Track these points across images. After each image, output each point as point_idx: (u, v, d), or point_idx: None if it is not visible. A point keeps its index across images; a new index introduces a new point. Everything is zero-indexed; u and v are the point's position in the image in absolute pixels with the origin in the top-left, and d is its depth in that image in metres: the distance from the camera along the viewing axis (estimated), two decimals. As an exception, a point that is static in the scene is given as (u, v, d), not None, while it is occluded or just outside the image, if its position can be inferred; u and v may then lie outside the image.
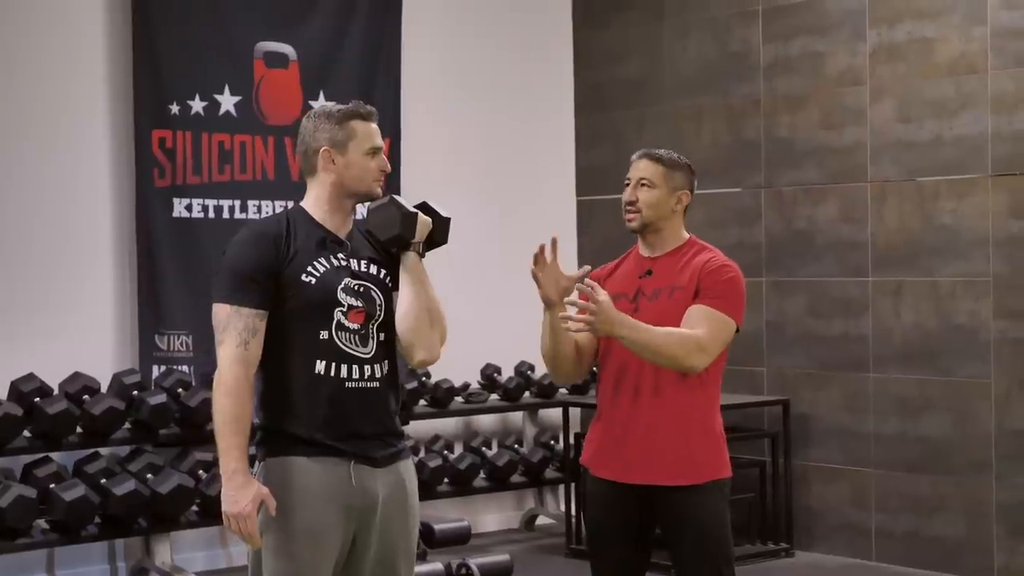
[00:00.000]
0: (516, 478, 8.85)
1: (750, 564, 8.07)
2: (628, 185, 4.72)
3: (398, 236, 4.09)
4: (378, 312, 4.08)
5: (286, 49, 8.28)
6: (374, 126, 4.13)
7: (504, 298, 8.92)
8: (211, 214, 7.98)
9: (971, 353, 7.70)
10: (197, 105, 7.96)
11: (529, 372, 8.96)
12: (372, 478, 4.03)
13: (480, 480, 8.71)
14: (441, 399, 8.54)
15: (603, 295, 4.37)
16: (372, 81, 8.59)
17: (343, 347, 4.00)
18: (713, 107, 8.92)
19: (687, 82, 9.07)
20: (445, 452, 8.60)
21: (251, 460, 4.06)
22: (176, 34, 7.89)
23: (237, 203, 8.04)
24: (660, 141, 9.00)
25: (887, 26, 8.05)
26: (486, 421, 9.19)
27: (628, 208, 4.70)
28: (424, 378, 8.52)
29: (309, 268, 4.01)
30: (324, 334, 3.99)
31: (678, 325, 4.52)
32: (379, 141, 4.12)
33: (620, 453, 4.60)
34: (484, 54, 9.31)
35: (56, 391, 7.32)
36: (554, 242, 4.61)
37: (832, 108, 8.31)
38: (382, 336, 4.09)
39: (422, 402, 8.53)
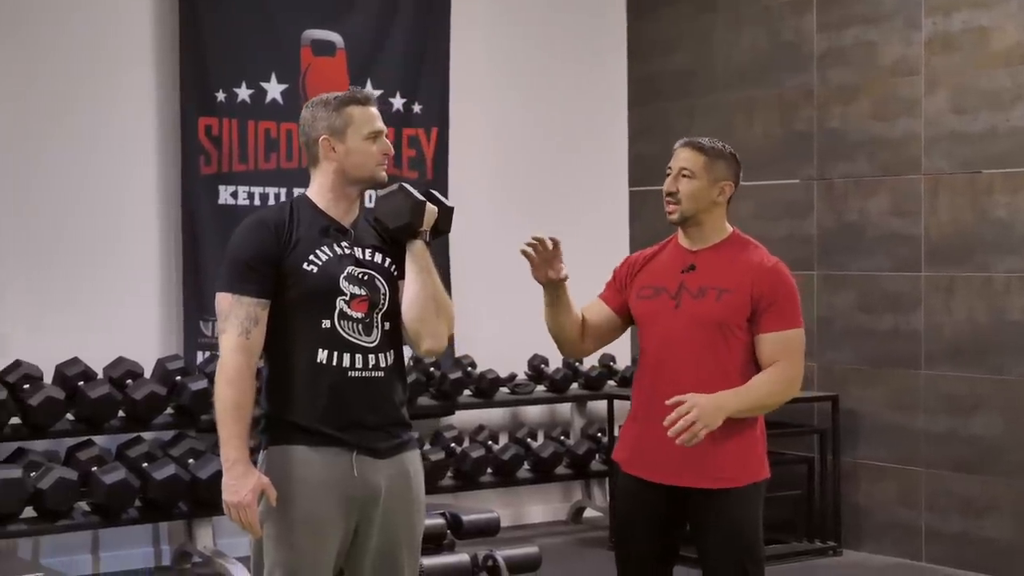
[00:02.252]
0: (561, 470, 8.80)
1: (797, 562, 7.99)
2: (669, 175, 4.60)
3: (408, 224, 4.05)
4: (382, 301, 4.04)
5: (333, 37, 8.27)
6: (373, 110, 4.07)
7: (553, 289, 8.87)
8: (256, 201, 7.99)
9: (1024, 351, 7.59)
10: (243, 93, 7.96)
11: (577, 364, 8.90)
12: (374, 469, 3.99)
13: (524, 471, 8.67)
14: (486, 389, 8.51)
15: (691, 399, 4.29)
16: (419, 70, 8.56)
17: (345, 336, 3.97)
18: (765, 98, 8.82)
19: (739, 73, 8.98)
20: (489, 442, 8.56)
21: (255, 448, 4.04)
22: (223, 22, 7.91)
23: (283, 191, 8.04)
24: (711, 132, 8.88)
25: (942, 15, 7.92)
26: (534, 413, 9.15)
27: (668, 199, 4.59)
28: (470, 368, 8.49)
29: (311, 257, 3.97)
30: (326, 323, 3.96)
31: (722, 323, 4.43)
32: (379, 125, 4.05)
33: (657, 454, 4.48)
34: (535, 45, 9.26)
35: (100, 375, 7.36)
36: (556, 243, 4.58)
37: (885, 99, 8.19)
38: (387, 325, 4.05)
39: (467, 392, 8.50)
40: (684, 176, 4.55)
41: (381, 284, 4.05)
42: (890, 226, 8.16)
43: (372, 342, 4.00)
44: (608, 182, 9.56)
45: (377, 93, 8.19)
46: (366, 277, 4.03)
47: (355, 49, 8.33)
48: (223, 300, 3.95)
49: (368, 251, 4.07)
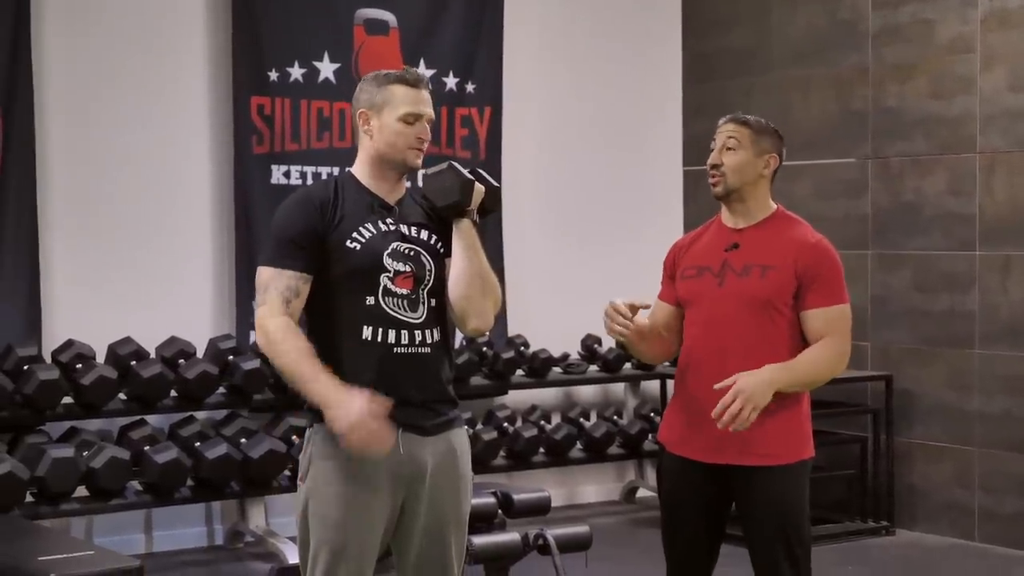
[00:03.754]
0: (614, 450, 8.78)
1: (850, 541, 7.96)
2: (714, 149, 4.55)
3: (456, 203, 4.03)
4: (428, 277, 4.02)
5: (387, 16, 8.26)
6: (420, 93, 4.01)
7: (607, 268, 8.86)
8: (309, 180, 7.99)
9: (1080, 330, 7.50)
10: (296, 72, 7.97)
11: (630, 343, 8.86)
12: (421, 446, 3.98)
13: (576, 451, 8.66)
14: (539, 369, 8.50)
15: (735, 386, 4.26)
16: (473, 50, 8.54)
17: (390, 312, 3.95)
18: (821, 76, 8.75)
19: (795, 51, 8.91)
20: (542, 422, 8.55)
21: (301, 430, 4.06)
22: (275, 1, 7.90)
23: (336, 170, 8.04)
24: (767, 110, 8.84)
25: (998, -7, 7.84)
26: (587, 392, 9.13)
27: (712, 172, 4.52)
28: (523, 348, 8.48)
29: (354, 234, 3.95)
30: (370, 300, 3.94)
31: (767, 301, 4.39)
32: (420, 109, 4.00)
33: (705, 433, 4.44)
34: (589, 23, 9.21)
35: (152, 355, 7.41)
36: (634, 309, 4.43)
37: (942, 77, 8.10)
38: (433, 302, 4.03)
39: (520, 372, 8.49)
40: (729, 148, 4.49)
41: (427, 260, 4.03)
42: (945, 205, 8.08)
43: (418, 318, 3.98)
44: (662, 162, 9.51)
45: (430, 73, 8.29)
46: (412, 253, 4.01)
47: (408, 28, 8.32)
48: (264, 273, 3.94)
49: (414, 228, 4.05)
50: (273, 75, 7.90)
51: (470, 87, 8.50)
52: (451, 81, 8.43)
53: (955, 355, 8.03)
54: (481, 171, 4.16)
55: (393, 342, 3.95)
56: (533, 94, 8.93)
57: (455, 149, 8.37)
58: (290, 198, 4.05)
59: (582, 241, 9.06)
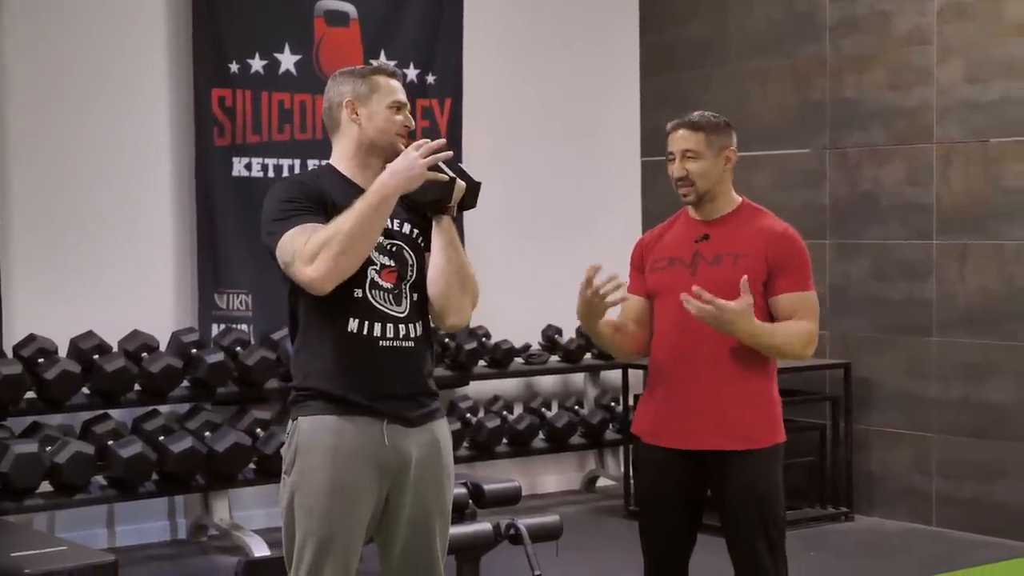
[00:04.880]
0: (575, 440, 8.83)
1: (809, 528, 8.03)
2: (672, 160, 4.62)
3: (437, 201, 4.05)
4: (410, 272, 4.05)
5: (347, 8, 8.25)
6: (397, 83, 4.09)
7: (566, 259, 8.87)
8: (271, 173, 7.98)
9: (1036, 318, 7.60)
10: (257, 64, 7.95)
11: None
12: (405, 437, 4.00)
13: (539, 441, 8.70)
14: (501, 360, 8.53)
15: (742, 302, 4.36)
16: (433, 41, 8.54)
17: (377, 305, 3.97)
18: (779, 68, 8.81)
19: (753, 43, 8.96)
20: (504, 413, 8.59)
21: (283, 420, 4.07)
22: (236, -7, 7.90)
23: (297, 162, 8.04)
24: (725, 102, 8.94)
25: (955, -16, 7.92)
26: (547, 382, 9.17)
27: (680, 184, 4.61)
28: (484, 338, 8.50)
29: None
30: (358, 292, 3.96)
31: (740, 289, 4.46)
32: (403, 97, 4.08)
33: (680, 421, 4.54)
34: (548, 15, 9.24)
35: (115, 349, 7.38)
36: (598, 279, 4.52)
37: (899, 68, 8.18)
38: (415, 296, 4.06)
39: (482, 363, 8.52)
40: (689, 158, 4.58)
41: (409, 255, 4.06)
42: (903, 195, 8.17)
43: (402, 312, 4.00)
44: (621, 153, 9.55)
45: (392, 64, 8.27)
46: (394, 248, 4.03)
47: (369, 20, 8.31)
48: (285, 238, 3.86)
49: (395, 221, 4.06)
50: (234, 67, 7.88)
51: (431, 79, 8.51)
52: (412, 73, 8.43)
53: (913, 343, 8.12)
54: (463, 167, 4.18)
55: (379, 335, 3.97)
56: (493, 85, 8.95)
57: (416, 140, 8.37)
58: (278, 183, 4.04)
59: (542, 232, 9.09)
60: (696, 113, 4.68)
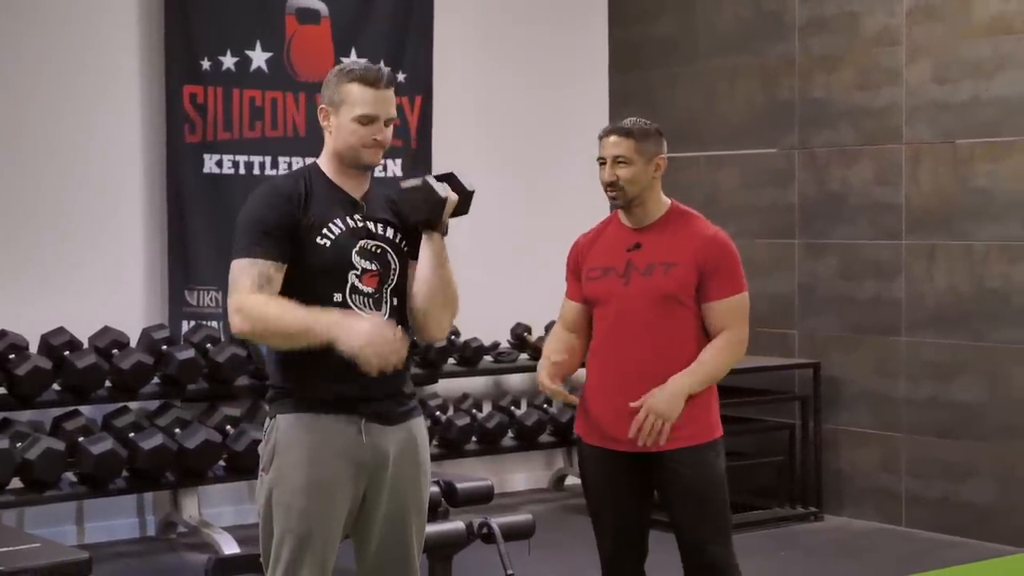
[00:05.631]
0: (544, 438, 8.84)
1: (778, 527, 8.06)
2: (603, 164, 4.71)
3: (426, 220, 4.05)
4: (392, 276, 4.05)
5: (318, 5, 8.24)
6: (377, 92, 3.93)
7: (535, 257, 8.90)
8: (242, 170, 7.96)
9: (1004, 318, 7.64)
10: (228, 61, 7.93)
11: (559, 332, 8.92)
12: (383, 435, 4.01)
13: (508, 439, 8.71)
14: (470, 358, 8.53)
15: (645, 406, 4.51)
16: (403, 39, 8.53)
17: (357, 310, 3.97)
18: (747, 67, 8.84)
19: (721, 41, 8.99)
20: (473, 411, 8.59)
21: (260, 418, 4.06)
22: (208, -11, 7.87)
23: (268, 159, 8.03)
24: (693, 100, 8.99)
25: (924, -15, 7.97)
26: (516, 380, 9.17)
27: (609, 188, 4.70)
28: (453, 336, 8.50)
29: (324, 231, 3.96)
30: (338, 296, 3.96)
31: (672, 296, 4.59)
32: (375, 110, 3.92)
33: (618, 424, 4.64)
34: (517, 12, 9.25)
35: (86, 345, 7.35)
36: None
37: (868, 69, 8.22)
38: (395, 300, 4.06)
39: (451, 360, 8.52)
40: (620, 164, 4.67)
41: (392, 259, 4.05)
42: (872, 195, 8.21)
43: (382, 316, 3.99)
44: (590, 150, 9.45)
45: (362, 62, 8.26)
46: (378, 251, 4.03)
47: (340, 17, 8.30)
48: (236, 266, 3.91)
49: (380, 224, 4.06)
50: (205, 64, 7.85)
51: (401, 76, 8.49)
52: (382, 70, 8.41)
53: (881, 342, 8.16)
54: (457, 175, 4.13)
55: None
56: (463, 82, 8.95)
57: (387, 138, 8.38)
58: (259, 190, 4.02)
59: (512, 231, 9.09)
60: (628, 120, 4.75)
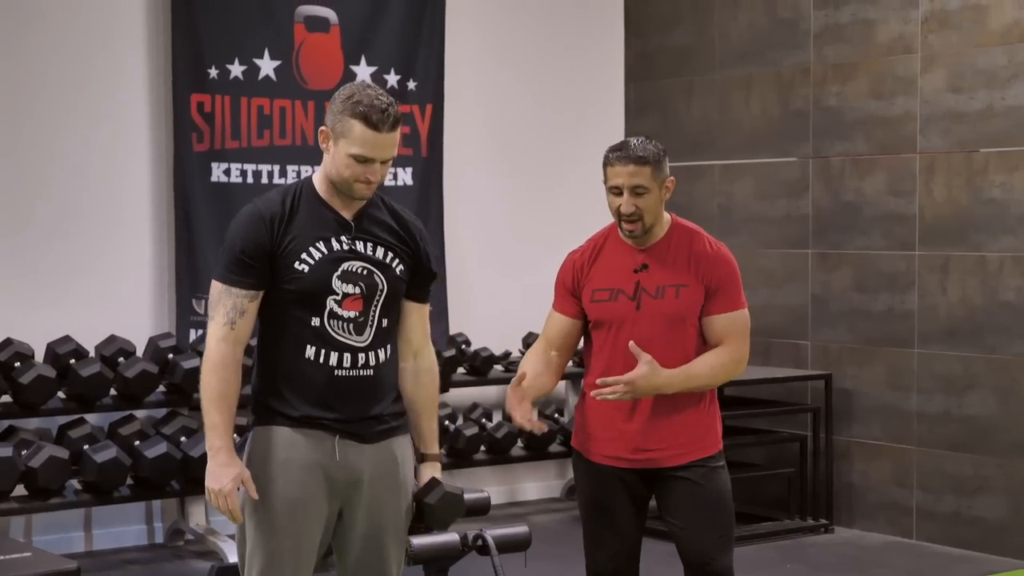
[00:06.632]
0: (555, 447, 8.79)
1: (788, 539, 8.01)
2: (617, 193, 4.57)
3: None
4: (379, 296, 3.99)
5: (327, 13, 8.22)
6: (378, 136, 3.87)
7: (550, 267, 8.77)
8: (250, 179, 7.96)
9: (1018, 331, 7.55)
10: (236, 69, 7.92)
11: (572, 341, 8.88)
12: (359, 454, 3.99)
13: (518, 449, 8.67)
14: (480, 367, 8.50)
15: (642, 367, 4.41)
16: (414, 47, 8.50)
17: (334, 335, 3.95)
18: (762, 76, 8.78)
19: (737, 50, 8.93)
20: (483, 420, 8.56)
21: (246, 427, 4.06)
22: (216, -3, 7.87)
23: (276, 168, 8.02)
24: (708, 109, 8.94)
25: (939, -6, 7.89)
26: (529, 390, 9.11)
27: (628, 219, 4.57)
28: (464, 346, 8.48)
29: (303, 255, 3.93)
30: (315, 321, 3.94)
31: (684, 318, 4.54)
32: (373, 153, 3.88)
33: (624, 437, 4.58)
34: (531, 21, 9.20)
35: (92, 354, 7.36)
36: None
37: (882, 77, 8.16)
38: (384, 322, 4.02)
39: (461, 370, 8.49)
40: (638, 194, 4.54)
41: (379, 280, 4.00)
42: (886, 205, 8.14)
43: (363, 341, 3.97)
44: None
45: (371, 71, 8.26)
46: (364, 272, 3.98)
47: (349, 25, 8.28)
48: (214, 288, 3.97)
49: (370, 244, 4.01)
50: (213, 72, 7.85)
51: (411, 84, 8.48)
52: (392, 78, 8.40)
53: (894, 354, 8.08)
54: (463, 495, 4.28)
55: (335, 364, 3.95)
56: (475, 92, 8.92)
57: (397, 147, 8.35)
58: (242, 212, 4.01)
59: (524, 240, 9.05)
60: (637, 143, 4.58)
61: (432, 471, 4.18)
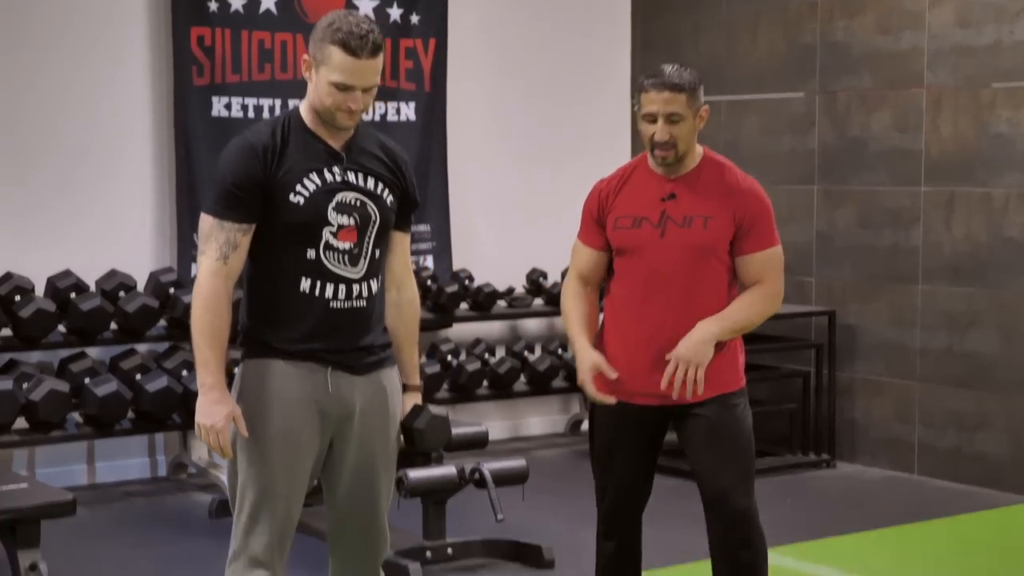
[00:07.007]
0: (558, 383, 8.79)
1: (790, 474, 8.01)
2: (652, 120, 4.43)
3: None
4: (372, 228, 3.96)
5: (330, -55, 8.16)
6: (357, 62, 3.81)
7: (552, 203, 8.81)
8: (251, 113, 7.91)
9: (1022, 268, 7.52)
10: (237, 3, 7.86)
11: (576, 278, 8.87)
12: (350, 386, 3.97)
13: (521, 384, 8.67)
14: (483, 303, 8.48)
15: (679, 351, 4.39)
16: (418, -21, 8.45)
17: (330, 267, 3.91)
18: (769, 11, 8.70)
19: (744, -15, 8.87)
20: (486, 355, 8.55)
21: (235, 361, 4.06)
22: (216, -71, 7.81)
23: (277, 102, 7.97)
24: (715, 45, 8.87)
25: (947, -73, 7.81)
26: (531, 326, 9.12)
27: (660, 147, 4.44)
28: (467, 282, 8.47)
29: (298, 187, 3.88)
30: (311, 253, 3.90)
31: (711, 249, 4.45)
32: (352, 80, 3.82)
33: (644, 375, 4.49)
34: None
35: (92, 288, 7.36)
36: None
37: (890, 12, 8.07)
38: (377, 253, 3.99)
39: (464, 305, 8.48)
40: (673, 122, 4.42)
41: (372, 211, 3.96)
42: (892, 141, 8.08)
43: (358, 273, 3.94)
44: (610, 94, 9.45)
45: (374, 4, 8.20)
46: (358, 203, 3.95)
47: (352, -43, 8.23)
48: (205, 221, 3.90)
49: (362, 175, 3.98)
50: (213, 5, 7.79)
51: (415, 18, 8.41)
52: (395, 12, 8.34)
53: (898, 291, 8.06)
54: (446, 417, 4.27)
55: (330, 296, 3.92)
56: (478, 24, 8.85)
57: (399, 81, 8.31)
58: (233, 143, 3.95)
59: (528, 174, 9.01)
60: (672, 70, 4.46)
61: (414, 400, 4.18)
